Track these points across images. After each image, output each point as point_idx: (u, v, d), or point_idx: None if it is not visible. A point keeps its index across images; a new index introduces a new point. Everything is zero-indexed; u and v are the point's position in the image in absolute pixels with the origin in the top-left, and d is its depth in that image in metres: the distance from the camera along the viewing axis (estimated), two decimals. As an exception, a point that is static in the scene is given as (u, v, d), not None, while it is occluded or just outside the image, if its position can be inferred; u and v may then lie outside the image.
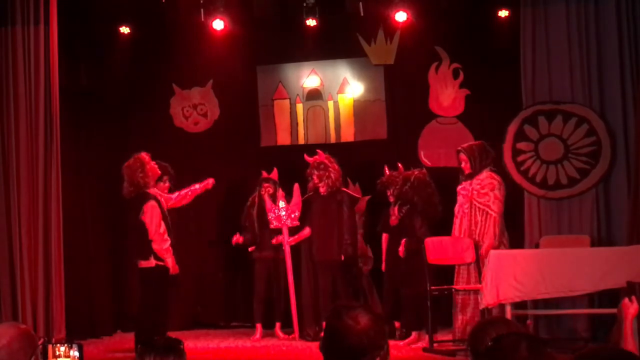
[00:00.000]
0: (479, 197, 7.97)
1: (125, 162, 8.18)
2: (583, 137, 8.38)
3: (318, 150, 8.99)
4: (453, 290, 7.96)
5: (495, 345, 2.68)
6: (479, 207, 7.97)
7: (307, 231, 8.94)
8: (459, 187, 8.15)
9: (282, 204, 8.88)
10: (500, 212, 7.94)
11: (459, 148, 8.26)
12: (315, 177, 8.83)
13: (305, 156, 8.98)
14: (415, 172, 8.62)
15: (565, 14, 8.46)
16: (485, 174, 8.05)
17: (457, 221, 8.12)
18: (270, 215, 8.89)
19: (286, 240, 8.88)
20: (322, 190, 8.81)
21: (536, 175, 8.44)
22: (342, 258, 8.70)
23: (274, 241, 8.93)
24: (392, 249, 8.83)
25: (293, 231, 8.98)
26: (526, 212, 8.42)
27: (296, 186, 8.97)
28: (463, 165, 8.17)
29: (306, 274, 8.96)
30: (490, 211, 7.91)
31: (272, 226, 8.91)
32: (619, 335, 3.56)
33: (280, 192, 8.94)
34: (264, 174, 9.17)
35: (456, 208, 8.14)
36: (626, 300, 3.69)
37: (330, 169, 8.79)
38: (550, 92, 8.51)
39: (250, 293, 9.24)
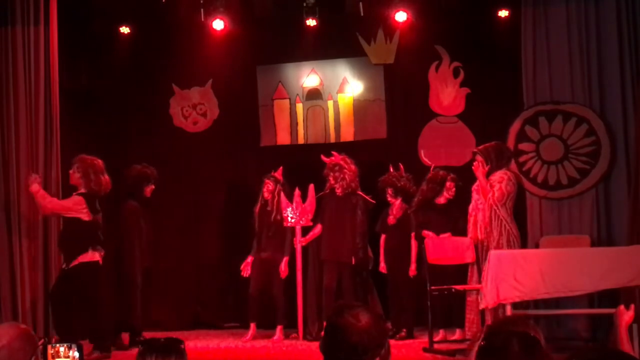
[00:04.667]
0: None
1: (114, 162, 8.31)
2: (583, 137, 8.39)
3: (333, 152, 8.99)
4: (453, 290, 7.95)
5: (488, 343, 2.68)
6: (490, 203, 7.94)
7: (318, 229, 8.94)
8: (474, 185, 8.14)
9: (297, 203, 8.88)
10: (500, 200, 7.70)
11: (475, 150, 8.23)
12: (331, 179, 8.86)
13: (322, 157, 8.99)
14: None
15: (565, 14, 8.47)
16: (499, 172, 8.00)
17: (471, 219, 8.11)
18: (284, 214, 8.89)
19: (299, 240, 8.88)
20: (338, 191, 8.83)
21: (537, 175, 8.45)
22: (353, 262, 8.71)
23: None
24: (390, 248, 8.85)
25: (305, 231, 8.98)
26: (527, 213, 8.42)
27: (311, 187, 8.96)
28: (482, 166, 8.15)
29: (312, 272, 8.96)
30: (492, 200, 7.76)
31: (286, 224, 8.91)
32: (615, 340, 3.57)
33: (297, 192, 8.93)
34: (273, 172, 9.16)
35: (470, 207, 8.12)
36: (622, 306, 3.69)
37: (346, 170, 8.81)
38: (551, 92, 8.51)
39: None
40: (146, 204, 8.85)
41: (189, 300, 10.13)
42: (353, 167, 8.85)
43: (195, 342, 8.59)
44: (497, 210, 7.80)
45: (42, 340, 3.36)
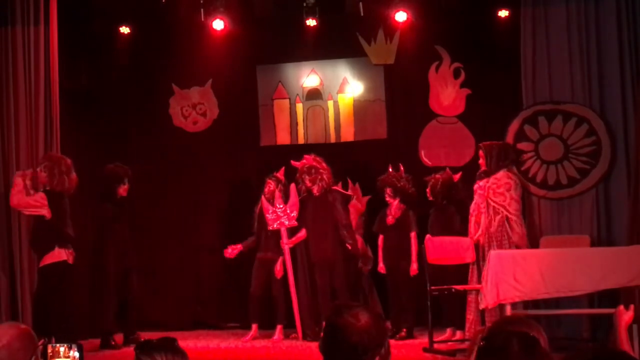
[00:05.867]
0: (495, 196, 7.97)
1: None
2: (583, 137, 8.39)
3: (305, 155, 8.97)
4: (453, 290, 7.95)
5: (487, 343, 2.68)
6: (494, 207, 7.97)
7: (303, 233, 8.93)
8: (476, 185, 8.15)
9: (279, 204, 8.87)
10: (517, 213, 7.92)
11: (480, 144, 8.30)
12: (307, 181, 8.83)
13: (293, 162, 8.97)
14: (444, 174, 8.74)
15: (565, 14, 8.48)
16: (502, 173, 8.03)
17: (472, 219, 8.13)
18: (268, 216, 8.87)
19: (285, 241, 8.87)
20: (315, 192, 8.82)
21: (536, 175, 8.45)
22: (349, 247, 8.68)
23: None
24: (389, 248, 8.85)
25: (292, 231, 8.96)
26: (527, 212, 8.42)
27: (292, 186, 8.95)
28: (480, 161, 8.21)
29: (302, 274, 8.95)
30: (506, 212, 7.89)
31: (270, 227, 8.89)
32: (614, 340, 3.57)
33: (277, 194, 8.91)
34: (275, 172, 9.14)
35: (472, 207, 8.14)
36: (621, 307, 3.69)
37: (321, 170, 8.80)
38: (550, 92, 8.51)
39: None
40: (122, 204, 8.82)
41: (189, 300, 10.12)
42: (325, 165, 8.84)
43: (195, 342, 8.59)
44: (507, 214, 7.85)
45: (42, 340, 3.36)
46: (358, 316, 2.81)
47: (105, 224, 8.73)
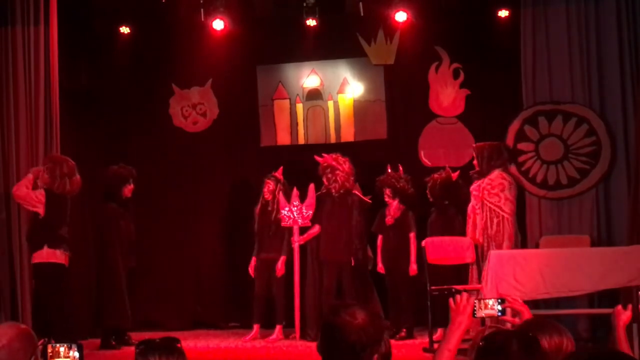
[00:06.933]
0: (490, 197, 7.99)
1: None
2: (583, 137, 8.40)
3: (324, 154, 8.97)
4: (453, 290, 7.95)
5: (487, 343, 2.68)
6: (490, 207, 7.98)
7: (316, 229, 8.92)
8: (472, 187, 8.17)
9: (295, 202, 8.87)
10: (512, 213, 7.95)
11: (473, 145, 8.32)
12: (324, 180, 8.85)
13: (316, 157, 8.98)
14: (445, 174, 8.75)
15: (565, 14, 8.48)
16: (496, 173, 8.05)
17: (470, 221, 8.14)
18: (283, 213, 8.88)
19: (296, 239, 8.87)
20: (333, 191, 8.82)
21: (537, 175, 8.46)
22: (353, 263, 8.70)
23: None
24: (388, 248, 8.85)
25: (302, 231, 8.97)
26: (527, 212, 8.43)
27: (311, 186, 8.95)
28: (474, 162, 8.23)
29: (311, 273, 8.95)
30: (502, 212, 7.92)
31: (283, 224, 8.89)
32: (613, 340, 3.58)
33: (294, 192, 8.92)
34: (273, 172, 9.15)
35: (469, 208, 8.16)
36: (619, 307, 3.70)
37: (338, 171, 8.78)
38: (550, 92, 8.52)
39: (250, 294, 9.22)
40: (126, 204, 8.88)
41: (189, 300, 10.12)
42: (346, 166, 8.81)
43: (195, 342, 8.59)
44: (503, 214, 7.85)
45: (42, 340, 3.35)
46: (355, 314, 2.81)
47: (109, 223, 8.74)
